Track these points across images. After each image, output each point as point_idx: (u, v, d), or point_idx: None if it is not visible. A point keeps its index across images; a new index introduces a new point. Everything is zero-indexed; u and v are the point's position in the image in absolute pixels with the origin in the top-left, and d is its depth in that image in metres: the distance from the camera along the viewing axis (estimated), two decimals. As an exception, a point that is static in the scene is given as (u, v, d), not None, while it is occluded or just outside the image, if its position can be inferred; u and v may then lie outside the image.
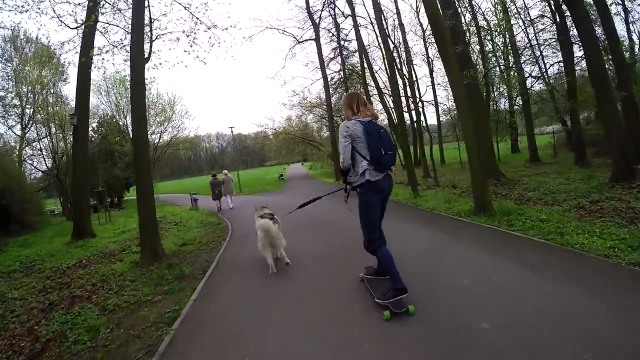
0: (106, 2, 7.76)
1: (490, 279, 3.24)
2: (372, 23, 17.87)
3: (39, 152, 21.19)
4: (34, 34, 20.29)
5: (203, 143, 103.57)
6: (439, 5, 6.81)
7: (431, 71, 21.94)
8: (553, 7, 14.15)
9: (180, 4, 7.64)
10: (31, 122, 20.84)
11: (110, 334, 3.41)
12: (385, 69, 20.14)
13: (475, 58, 15.30)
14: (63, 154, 20.23)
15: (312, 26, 19.07)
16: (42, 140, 20.98)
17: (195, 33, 7.91)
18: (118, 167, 22.36)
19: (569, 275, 3.14)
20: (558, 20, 14.03)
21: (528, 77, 15.76)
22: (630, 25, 14.00)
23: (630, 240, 3.81)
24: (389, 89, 17.49)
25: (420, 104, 21.56)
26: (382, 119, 24.01)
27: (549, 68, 16.53)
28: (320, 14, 19.13)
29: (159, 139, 26.52)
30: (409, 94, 19.74)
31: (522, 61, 15.82)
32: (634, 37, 13.87)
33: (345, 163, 2.94)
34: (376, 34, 19.23)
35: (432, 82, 22.17)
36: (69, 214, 17.21)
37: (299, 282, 3.91)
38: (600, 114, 8.41)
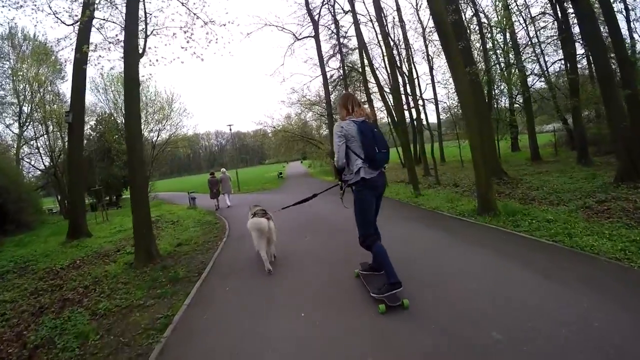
0: (101, -4, 7.59)
1: (499, 283, 3.09)
2: (371, 20, 17.74)
3: (36, 150, 21.07)
4: (31, 32, 20.17)
5: (202, 141, 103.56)
6: (441, -1, 6.63)
7: (431, 69, 21.83)
8: (555, 5, 13.97)
9: (177, -1, 7.46)
10: (29, 121, 20.70)
11: (99, 340, 3.26)
12: (385, 66, 20.06)
13: (476, 56, 15.15)
14: (60, 152, 20.07)
15: (311, 23, 18.86)
16: (40, 138, 20.88)
17: (192, 29, 7.76)
18: (116, 166, 22.16)
19: (581, 280, 2.99)
20: (560, 17, 13.83)
21: (530, 74, 15.62)
22: (632, 23, 13.86)
23: (641, 242, 3.66)
24: (390, 86, 17.37)
25: (420, 102, 21.43)
26: (382, 116, 24.02)
27: (550, 66, 16.39)
28: (320, 11, 18.94)
29: (157, 137, 26.33)
30: (409, 91, 19.61)
31: (523, 59, 15.66)
32: (636, 35, 13.69)
33: (340, 162, 3.04)
34: (376, 32, 19.12)
35: (432, 79, 22.07)
36: (66, 212, 17.07)
37: (297, 284, 3.77)
38: (607, 112, 8.23)
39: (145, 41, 6.54)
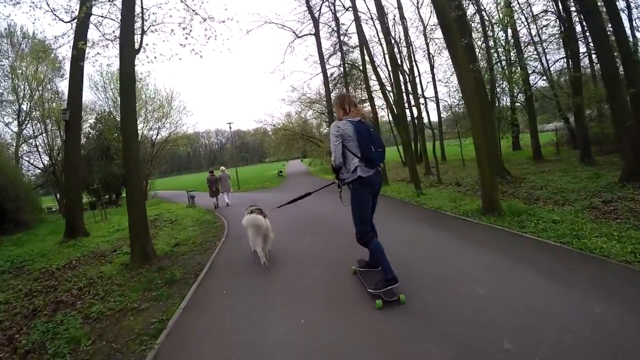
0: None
1: (507, 287, 2.97)
2: (372, 18, 17.54)
3: (35, 149, 20.97)
4: (30, 30, 20.05)
5: (202, 139, 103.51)
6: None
7: (432, 67, 21.67)
8: (557, 2, 13.80)
9: (175, -5, 7.34)
10: (28, 119, 20.59)
11: (91, 346, 3.15)
12: (386, 64, 19.91)
13: (478, 53, 14.99)
14: (60, 151, 19.95)
15: (311, 20, 18.70)
16: (39, 137, 20.76)
17: (190, 25, 7.65)
18: (115, 164, 22.08)
19: (592, 284, 2.87)
20: (563, 15, 13.66)
21: (532, 73, 15.44)
22: (634, 22, 13.71)
23: (651, 244, 3.53)
24: (391, 83, 17.22)
25: (422, 100, 21.28)
26: (383, 115, 23.87)
27: (552, 65, 16.24)
28: (320, 8, 18.77)
29: (157, 135, 26.22)
30: (410, 89, 19.45)
31: (525, 57, 15.49)
32: (638, 34, 13.52)
33: (337, 161, 3.11)
34: (376, 30, 18.91)
35: (433, 77, 21.90)
36: (64, 211, 16.96)
37: (296, 286, 3.66)
38: (612, 111, 8.09)
39: (142, 37, 6.41)
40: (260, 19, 19.69)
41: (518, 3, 14.59)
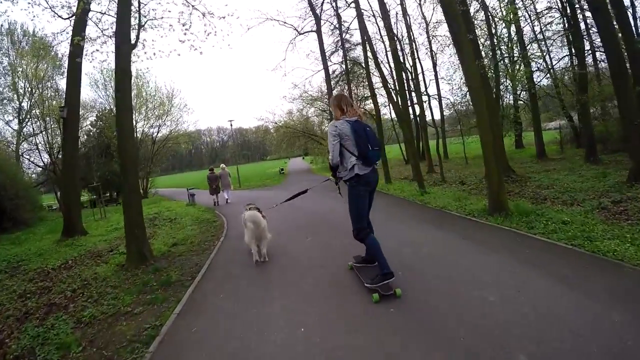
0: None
1: (519, 293, 2.79)
2: (374, 15, 17.35)
3: (35, 147, 20.91)
4: (30, 28, 19.96)
5: (204, 137, 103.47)
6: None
7: (434, 64, 21.50)
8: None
9: (173, -12, 7.18)
10: (28, 117, 20.51)
11: (81, 353, 3.02)
12: (388, 61, 19.69)
13: (482, 51, 14.77)
14: (59, 149, 19.87)
15: (313, 17, 18.43)
16: (39, 135, 20.69)
17: (190, 20, 7.53)
18: (115, 162, 21.97)
19: (608, 291, 2.71)
20: (569, 12, 13.42)
21: (536, 70, 15.20)
22: (638, 20, 13.46)
23: (666, 248, 3.37)
24: (394, 80, 17.01)
25: (425, 97, 21.09)
26: (385, 112, 23.65)
27: (557, 62, 16.00)
28: (322, 5, 18.50)
29: (157, 132, 26.15)
30: (412, 87, 19.26)
31: (528, 54, 15.25)
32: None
33: (334, 160, 3.20)
34: (378, 27, 18.73)
35: (436, 75, 21.74)
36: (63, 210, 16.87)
37: (296, 290, 3.50)
38: (620, 109, 7.88)
39: (139, 32, 6.28)
40: (262, 15, 19.58)
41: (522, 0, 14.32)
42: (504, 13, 13.11)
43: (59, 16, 8.40)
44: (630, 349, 2.00)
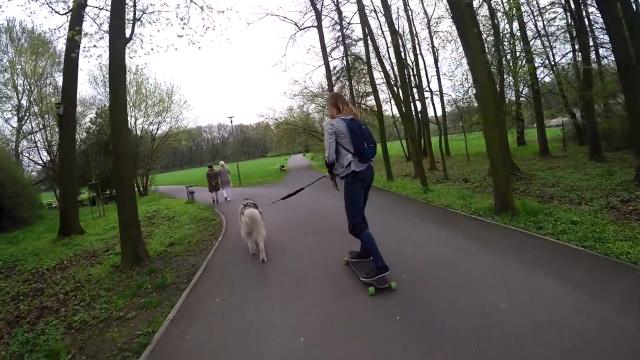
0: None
1: (531, 300, 2.63)
2: (375, 10, 17.07)
3: (34, 144, 20.79)
4: (29, 25, 19.77)
5: (204, 134, 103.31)
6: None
7: (436, 60, 21.24)
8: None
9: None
10: (27, 114, 20.36)
11: (70, 361, 2.88)
12: (389, 57, 19.46)
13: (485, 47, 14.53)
14: (59, 147, 19.73)
15: (313, 12, 18.18)
16: (38, 132, 20.55)
17: (188, 14, 7.40)
18: (115, 159, 21.86)
19: (623, 296, 2.55)
20: (573, 8, 13.16)
21: (539, 66, 14.97)
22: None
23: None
24: (395, 75, 16.79)
25: (428, 93, 20.87)
26: (386, 109, 23.44)
27: (561, 59, 15.76)
28: (322, 0, 18.24)
29: (157, 129, 25.97)
30: (413, 83, 19.02)
31: (532, 50, 15.01)
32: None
33: (330, 157, 3.28)
34: (380, 22, 18.46)
35: (437, 71, 21.50)
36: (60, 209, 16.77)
37: (296, 294, 3.35)
38: (627, 105, 7.67)
39: (134, 25, 6.11)
40: (262, 11, 19.32)
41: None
42: (507, 8, 12.90)
43: (56, 12, 8.27)
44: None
